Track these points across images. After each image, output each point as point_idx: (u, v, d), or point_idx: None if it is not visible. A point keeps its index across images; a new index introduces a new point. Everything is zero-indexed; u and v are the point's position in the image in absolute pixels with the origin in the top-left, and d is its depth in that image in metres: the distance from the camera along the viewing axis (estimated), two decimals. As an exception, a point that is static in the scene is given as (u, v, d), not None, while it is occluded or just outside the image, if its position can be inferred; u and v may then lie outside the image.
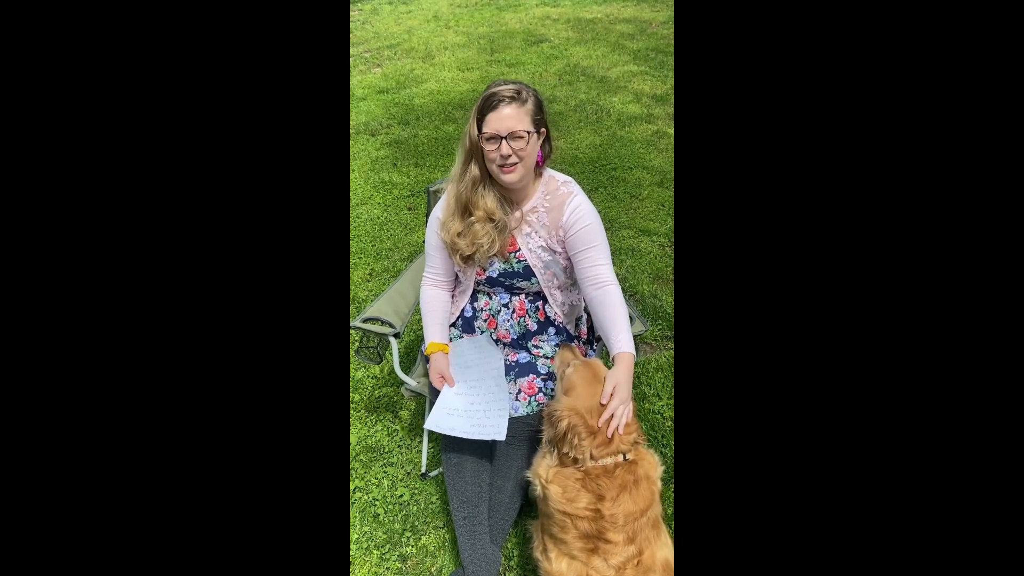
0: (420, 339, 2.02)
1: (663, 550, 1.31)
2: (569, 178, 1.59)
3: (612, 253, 1.58)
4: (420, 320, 2.54)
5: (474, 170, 1.48)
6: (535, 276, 1.58)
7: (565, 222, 1.52)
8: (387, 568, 1.62)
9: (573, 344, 1.61)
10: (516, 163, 1.44)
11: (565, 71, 4.98)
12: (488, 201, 1.50)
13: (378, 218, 3.16)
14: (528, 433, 1.54)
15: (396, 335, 1.63)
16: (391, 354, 1.67)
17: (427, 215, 1.88)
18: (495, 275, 1.61)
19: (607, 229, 3.03)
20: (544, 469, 1.36)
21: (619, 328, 1.44)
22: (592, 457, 1.29)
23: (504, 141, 1.41)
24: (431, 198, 1.84)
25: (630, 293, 2.53)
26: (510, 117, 1.41)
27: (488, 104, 1.42)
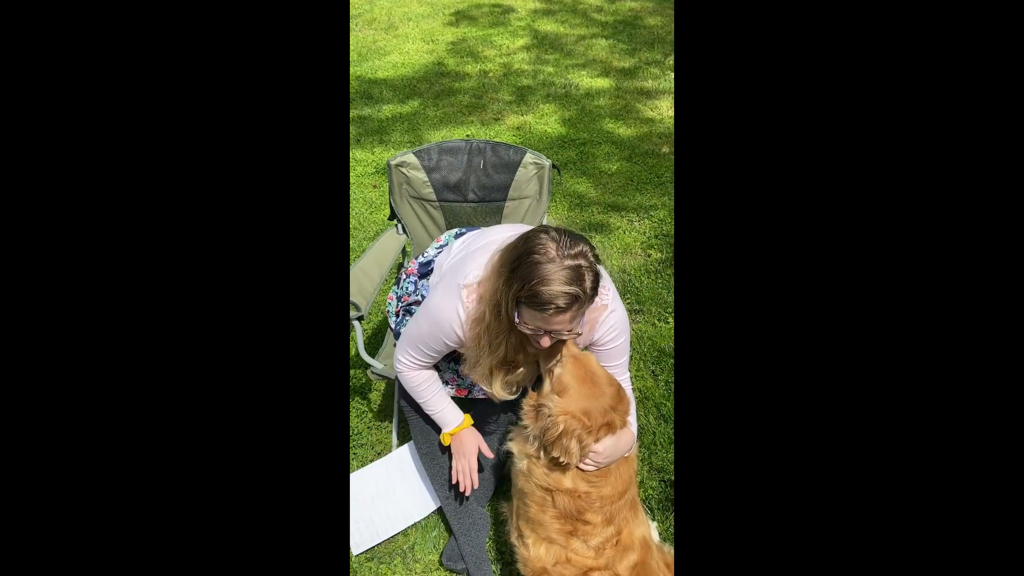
0: (385, 320, 1.98)
1: (641, 528, 1.31)
2: (609, 281, 1.36)
3: (581, 231, 1.55)
4: (384, 300, 2.48)
5: (518, 333, 1.25)
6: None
7: (598, 339, 1.37)
8: (357, 552, 1.60)
9: None
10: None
11: (532, 44, 4.89)
12: (531, 353, 1.31)
13: (342, 196, 3.08)
14: (504, 403, 1.48)
15: (360, 318, 1.58)
16: (356, 337, 1.63)
17: (390, 192, 1.83)
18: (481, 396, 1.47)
19: (576, 206, 3.03)
20: (527, 445, 1.30)
21: None
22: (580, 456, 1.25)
23: (547, 335, 1.19)
24: (392, 172, 1.78)
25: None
26: (560, 323, 1.15)
27: (533, 302, 1.12)
